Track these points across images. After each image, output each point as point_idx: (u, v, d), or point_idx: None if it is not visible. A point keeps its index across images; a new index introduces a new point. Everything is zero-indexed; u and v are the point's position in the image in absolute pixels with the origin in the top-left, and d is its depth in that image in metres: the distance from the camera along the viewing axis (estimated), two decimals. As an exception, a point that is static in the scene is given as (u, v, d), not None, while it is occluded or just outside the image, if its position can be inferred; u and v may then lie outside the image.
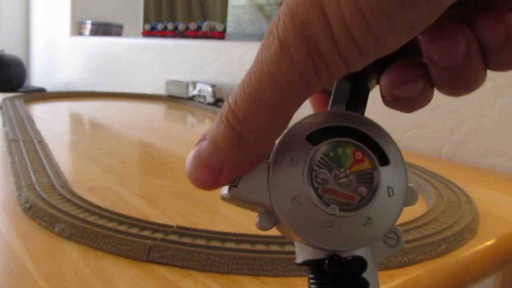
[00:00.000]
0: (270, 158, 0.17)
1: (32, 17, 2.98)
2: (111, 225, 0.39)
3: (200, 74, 1.42)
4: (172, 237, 0.37)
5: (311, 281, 0.17)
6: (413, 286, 0.36)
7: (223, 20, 1.76)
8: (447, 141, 0.81)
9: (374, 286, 0.17)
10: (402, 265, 0.37)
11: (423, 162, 0.68)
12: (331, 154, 0.17)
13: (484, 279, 0.42)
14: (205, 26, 1.56)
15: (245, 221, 0.43)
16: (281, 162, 0.16)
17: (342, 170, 0.17)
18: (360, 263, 0.16)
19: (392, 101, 0.18)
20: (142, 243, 0.36)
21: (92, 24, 2.25)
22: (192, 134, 0.97)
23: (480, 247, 0.42)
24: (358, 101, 0.19)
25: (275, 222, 0.17)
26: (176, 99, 1.34)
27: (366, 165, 0.17)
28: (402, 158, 0.17)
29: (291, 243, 0.18)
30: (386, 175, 0.17)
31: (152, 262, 0.35)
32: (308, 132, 0.17)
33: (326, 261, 0.16)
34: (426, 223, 0.43)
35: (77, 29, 2.33)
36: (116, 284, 0.32)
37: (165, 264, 0.35)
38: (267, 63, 0.15)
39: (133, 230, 0.38)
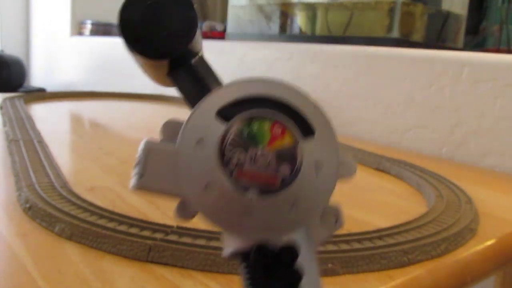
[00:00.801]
0: (177, 140, 0.15)
1: (32, 17, 2.97)
2: (111, 225, 0.39)
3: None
4: (172, 237, 0.37)
5: (243, 272, 0.15)
6: (413, 286, 0.36)
7: (223, 20, 1.75)
8: (447, 141, 0.81)
9: (312, 272, 0.14)
10: (402, 265, 0.37)
11: (423, 162, 0.68)
12: (246, 131, 0.14)
13: (484, 279, 0.42)
14: (205, 26, 1.56)
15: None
16: (189, 144, 0.14)
17: (259, 149, 0.14)
18: (290, 252, 0.14)
19: None
20: (142, 243, 0.36)
21: (92, 24, 2.25)
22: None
23: (480, 247, 0.42)
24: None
25: (194, 212, 0.15)
26: (176, 99, 1.34)
27: (287, 140, 0.14)
28: (330, 125, 0.15)
29: None
30: (312, 148, 0.14)
31: (152, 262, 0.35)
32: (219, 107, 0.14)
33: (251, 252, 0.14)
34: (426, 223, 0.43)
35: (77, 29, 2.33)
36: (116, 284, 0.32)
37: (165, 264, 0.35)
38: None
39: (133, 230, 0.38)
